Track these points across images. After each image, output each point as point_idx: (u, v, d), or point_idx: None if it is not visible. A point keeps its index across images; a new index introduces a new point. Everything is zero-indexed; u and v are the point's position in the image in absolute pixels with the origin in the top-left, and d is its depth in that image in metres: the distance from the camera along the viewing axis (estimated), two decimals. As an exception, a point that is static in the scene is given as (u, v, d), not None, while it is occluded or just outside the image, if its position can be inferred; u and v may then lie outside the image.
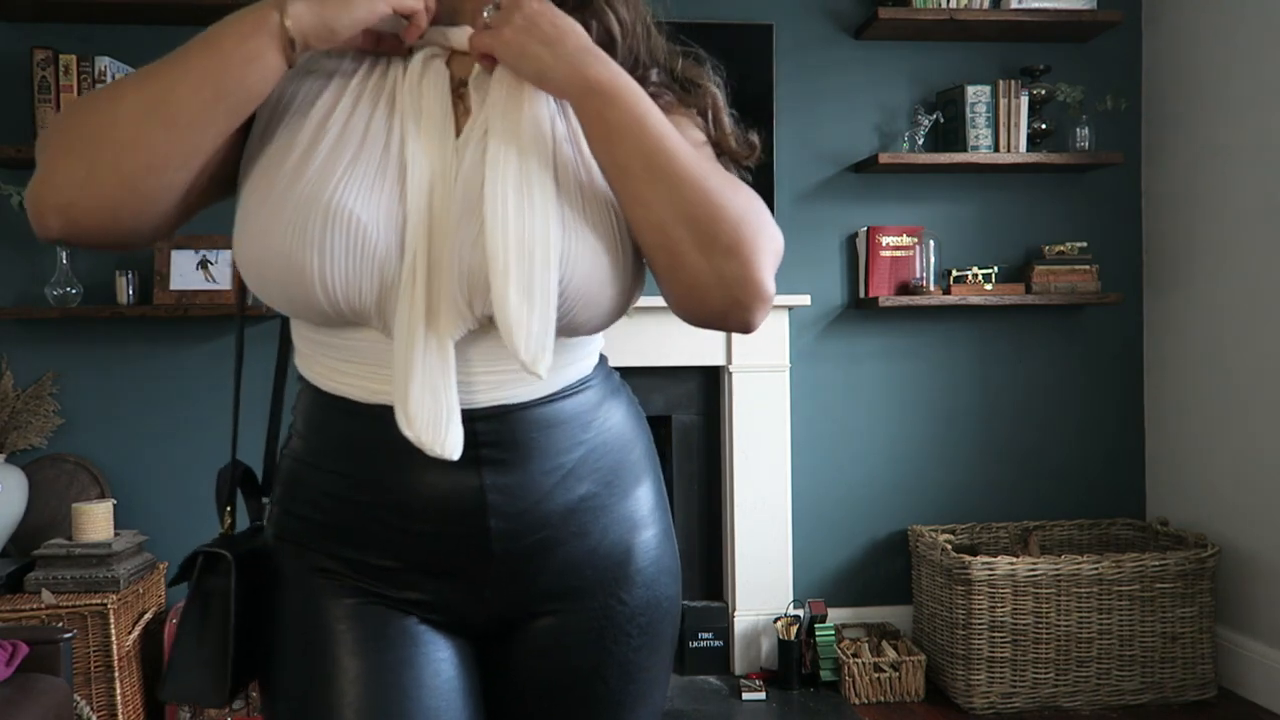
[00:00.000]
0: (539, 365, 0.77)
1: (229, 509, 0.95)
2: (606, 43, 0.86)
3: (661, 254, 0.81)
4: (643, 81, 0.87)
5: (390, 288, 0.79)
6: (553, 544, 0.87)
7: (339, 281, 0.77)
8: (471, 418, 0.82)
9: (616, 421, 0.93)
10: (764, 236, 0.81)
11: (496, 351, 0.82)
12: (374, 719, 0.82)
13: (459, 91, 0.86)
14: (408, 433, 0.78)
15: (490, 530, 0.85)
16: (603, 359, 0.97)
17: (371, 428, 0.84)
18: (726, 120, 0.94)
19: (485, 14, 0.83)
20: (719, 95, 0.95)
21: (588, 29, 0.85)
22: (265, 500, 0.96)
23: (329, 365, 0.86)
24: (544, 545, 0.87)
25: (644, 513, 0.94)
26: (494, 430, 0.84)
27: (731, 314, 0.82)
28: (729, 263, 0.79)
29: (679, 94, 0.92)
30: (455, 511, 0.84)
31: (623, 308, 0.86)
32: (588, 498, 0.89)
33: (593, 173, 0.84)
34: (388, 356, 0.81)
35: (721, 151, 0.93)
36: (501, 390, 0.84)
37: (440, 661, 0.87)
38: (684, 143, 0.82)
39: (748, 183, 0.88)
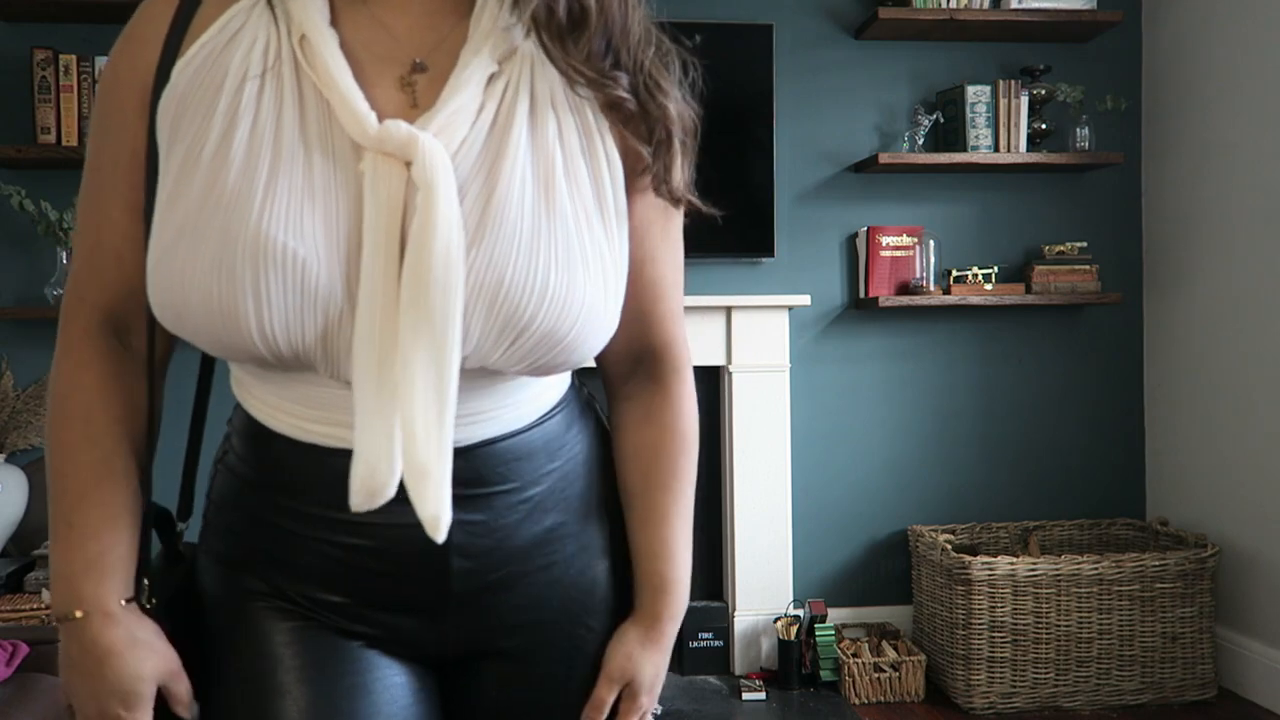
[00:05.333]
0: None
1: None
2: (577, 19, 0.74)
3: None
4: (608, 86, 0.76)
5: (335, 327, 0.70)
6: (518, 578, 0.82)
7: (278, 323, 0.69)
8: None
9: (584, 445, 0.88)
10: None
11: (467, 389, 0.74)
12: None
13: (407, 78, 0.75)
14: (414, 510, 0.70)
15: (451, 569, 0.79)
16: (571, 382, 0.90)
17: (321, 465, 0.77)
18: (675, 154, 0.80)
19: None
20: (675, 119, 0.79)
21: (555, 2, 0.74)
22: (181, 527, 0.88)
23: (269, 403, 0.79)
24: (508, 580, 0.82)
25: (609, 537, 0.89)
26: (460, 468, 0.74)
27: None
28: None
29: (633, 108, 0.78)
30: (414, 552, 0.77)
31: (603, 345, 0.80)
32: (555, 528, 0.84)
33: (590, 210, 0.76)
34: (334, 400, 0.74)
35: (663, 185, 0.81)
36: (471, 429, 0.78)
37: (395, 688, 0.81)
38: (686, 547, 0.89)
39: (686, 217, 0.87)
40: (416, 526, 0.70)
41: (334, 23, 0.74)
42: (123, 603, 0.76)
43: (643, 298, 0.85)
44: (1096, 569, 2.75)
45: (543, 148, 0.75)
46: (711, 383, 3.17)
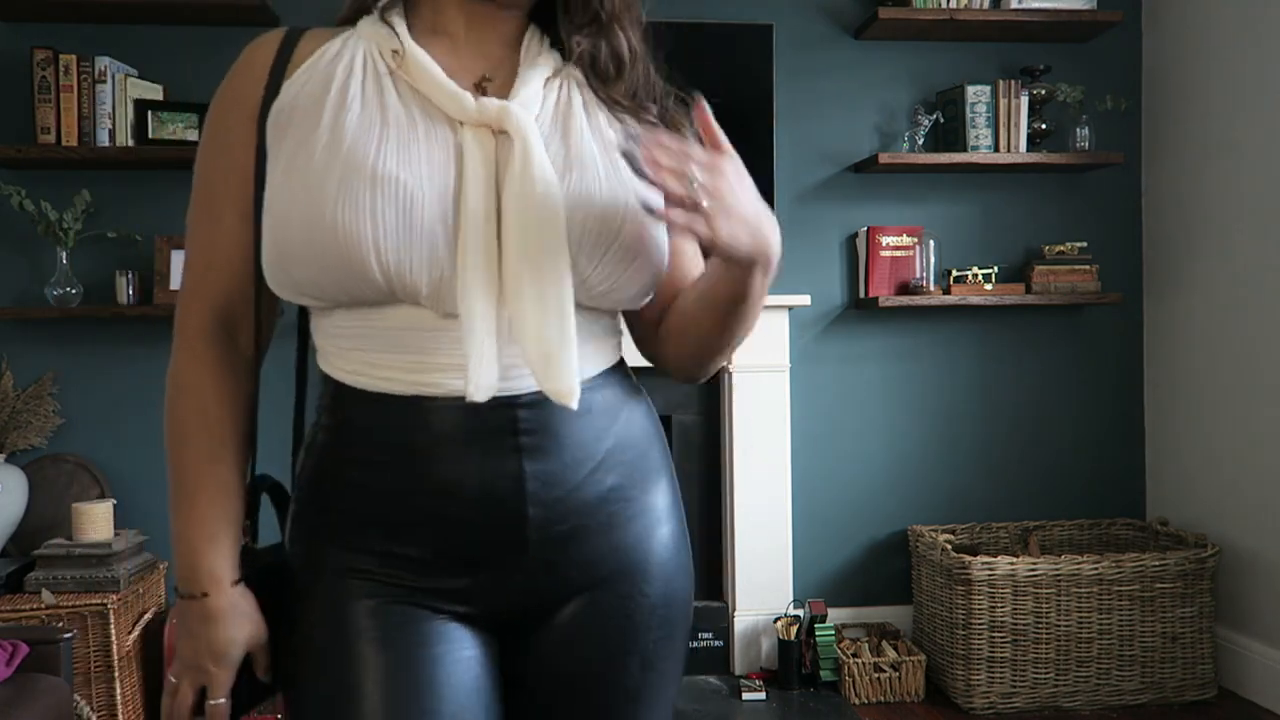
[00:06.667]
0: (572, 398, 0.83)
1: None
2: (615, 67, 0.94)
3: (695, 348, 0.96)
4: (641, 113, 0.95)
5: (440, 254, 0.82)
6: (582, 534, 0.89)
7: (391, 249, 0.80)
8: (513, 404, 0.84)
9: (639, 418, 0.96)
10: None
11: None
12: (400, 713, 0.83)
13: (480, 84, 0.90)
14: (544, 386, 0.83)
15: (528, 517, 0.86)
16: (621, 360, 0.99)
17: (410, 418, 0.85)
18: None
19: (691, 187, 0.80)
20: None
21: (598, 50, 0.93)
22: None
23: (362, 360, 0.86)
24: (574, 534, 0.89)
25: (662, 509, 0.96)
26: (534, 418, 0.85)
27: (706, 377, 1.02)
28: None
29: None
30: (494, 498, 0.85)
31: (656, 284, 0.93)
32: (615, 489, 0.91)
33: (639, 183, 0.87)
34: (432, 341, 0.84)
35: None
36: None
37: (466, 660, 0.88)
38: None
39: None
40: (498, 465, 0.84)
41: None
42: (233, 578, 0.88)
43: (679, 280, 0.98)
44: (1096, 569, 2.75)
45: (598, 128, 0.91)
46: (711, 383, 3.17)
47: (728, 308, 0.89)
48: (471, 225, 0.81)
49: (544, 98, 0.90)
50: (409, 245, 0.80)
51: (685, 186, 0.79)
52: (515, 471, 0.85)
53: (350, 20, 0.93)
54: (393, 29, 0.89)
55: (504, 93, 0.89)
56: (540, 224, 0.82)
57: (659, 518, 0.95)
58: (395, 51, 0.88)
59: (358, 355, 0.87)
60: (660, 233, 0.91)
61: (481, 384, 0.81)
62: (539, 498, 0.86)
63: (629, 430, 0.94)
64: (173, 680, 0.89)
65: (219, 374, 0.90)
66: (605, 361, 0.94)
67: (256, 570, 0.90)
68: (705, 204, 0.79)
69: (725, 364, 3.06)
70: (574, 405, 0.82)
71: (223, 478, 0.89)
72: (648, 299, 0.94)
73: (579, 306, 0.86)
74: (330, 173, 0.80)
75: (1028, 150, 3.13)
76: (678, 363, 0.99)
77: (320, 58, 0.88)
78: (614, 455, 0.91)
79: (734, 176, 0.82)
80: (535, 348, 0.82)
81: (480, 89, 0.89)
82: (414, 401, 0.85)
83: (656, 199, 0.81)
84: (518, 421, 0.84)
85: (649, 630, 0.93)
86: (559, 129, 0.89)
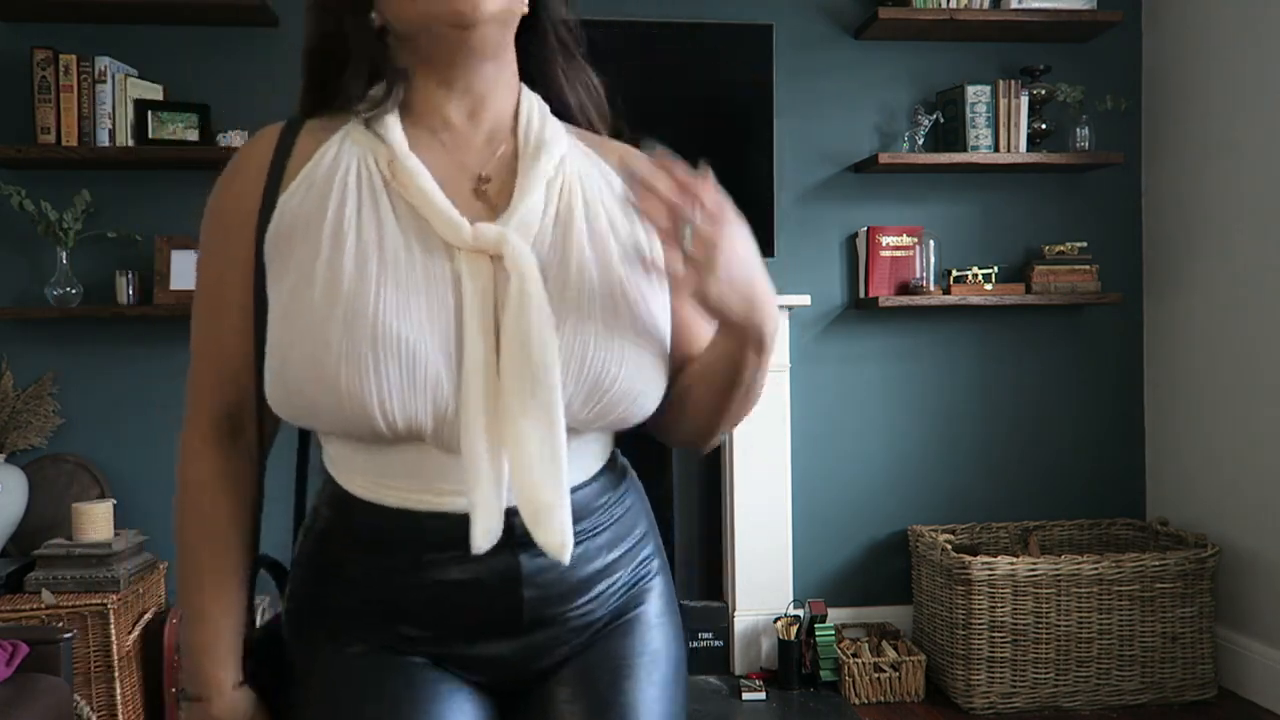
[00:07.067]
0: (565, 552, 0.83)
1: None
2: (606, 112, 0.99)
3: (692, 424, 0.96)
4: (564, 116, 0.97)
5: (444, 401, 0.82)
6: (576, 608, 0.91)
7: (395, 403, 0.80)
8: (512, 512, 0.84)
9: (630, 500, 0.99)
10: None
11: None
12: None
13: (479, 189, 0.89)
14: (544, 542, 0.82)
15: (524, 599, 0.88)
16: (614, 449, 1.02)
17: (412, 525, 0.87)
18: None
19: (683, 236, 0.80)
20: None
21: (586, 94, 0.98)
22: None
23: (366, 477, 0.88)
24: (569, 609, 0.91)
25: (654, 572, 0.99)
26: None
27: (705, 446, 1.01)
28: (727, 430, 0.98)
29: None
30: (492, 588, 0.87)
31: (661, 394, 0.93)
32: (613, 562, 0.94)
33: (640, 281, 0.89)
34: (438, 469, 0.85)
35: None
36: None
37: (466, 714, 0.90)
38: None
39: None
40: (495, 562, 0.85)
41: (411, 149, 0.88)
42: (235, 681, 0.91)
43: (683, 333, 0.98)
44: (1096, 569, 2.75)
45: (599, 233, 0.89)
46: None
47: (724, 387, 0.90)
48: (473, 375, 0.81)
49: (545, 207, 0.88)
50: (414, 398, 0.80)
51: (678, 228, 0.79)
52: (513, 564, 0.87)
53: (333, 100, 0.92)
54: (383, 139, 0.87)
55: (504, 193, 0.88)
56: (535, 379, 0.81)
57: (651, 584, 0.98)
58: (391, 162, 0.86)
59: (361, 473, 0.89)
60: (660, 367, 0.90)
61: (487, 531, 0.81)
62: (534, 581, 0.88)
63: (623, 509, 0.96)
64: None
65: (222, 477, 0.92)
66: (601, 460, 0.95)
67: (256, 660, 0.93)
68: (694, 250, 0.79)
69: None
70: (566, 560, 0.83)
71: (223, 585, 0.91)
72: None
73: (575, 433, 0.87)
74: (330, 323, 0.80)
75: (1028, 150, 3.13)
76: (676, 434, 0.99)
77: (317, 165, 0.87)
78: (609, 534, 0.94)
79: (737, 232, 0.81)
80: (528, 499, 0.82)
81: (479, 192, 0.89)
82: (417, 514, 0.87)
83: (655, 254, 0.85)
84: (514, 530, 0.84)
85: (649, 684, 0.94)
86: (558, 251, 0.87)
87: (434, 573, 0.86)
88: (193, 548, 0.92)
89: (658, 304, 0.90)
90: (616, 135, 1.01)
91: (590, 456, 0.93)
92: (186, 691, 0.92)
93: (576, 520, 0.88)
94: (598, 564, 0.92)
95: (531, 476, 0.81)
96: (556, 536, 0.81)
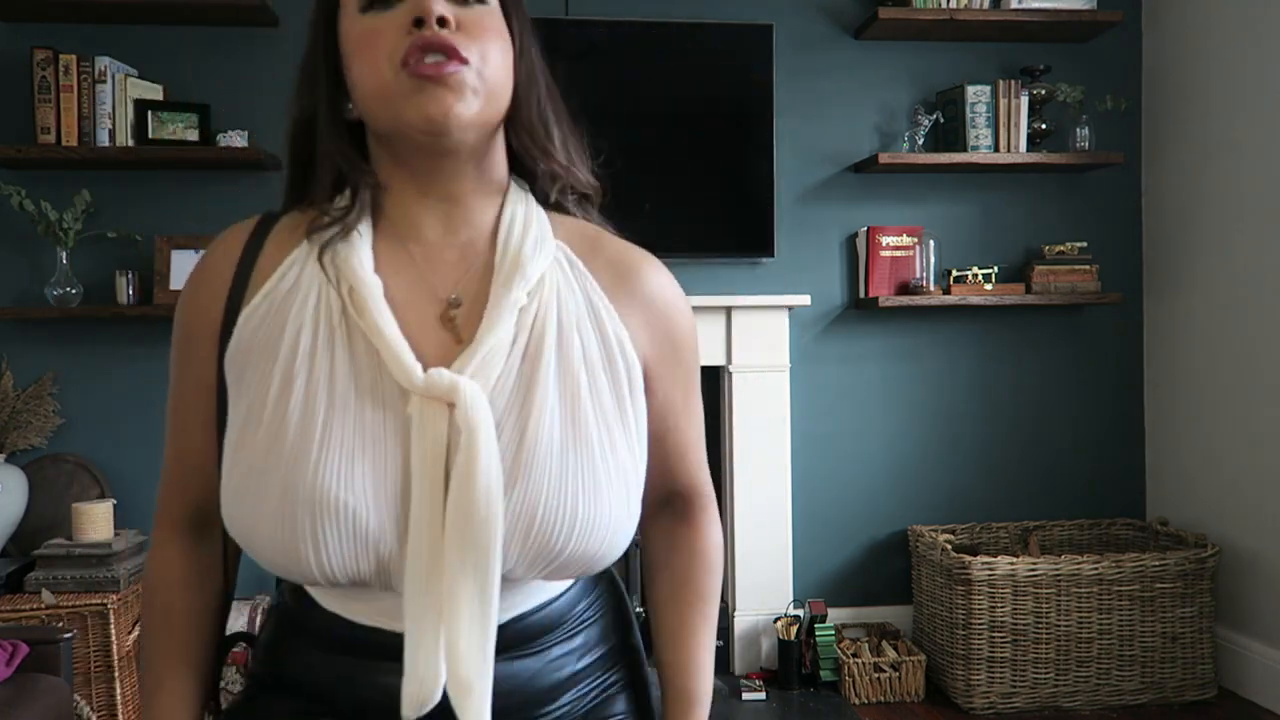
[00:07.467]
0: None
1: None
2: (591, 193, 0.96)
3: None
4: (561, 206, 0.94)
5: (387, 561, 0.79)
6: (540, 714, 0.89)
7: (335, 564, 0.78)
8: None
9: (602, 602, 0.97)
10: None
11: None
12: None
13: (446, 314, 0.85)
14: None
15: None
16: None
17: (369, 637, 0.85)
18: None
19: None
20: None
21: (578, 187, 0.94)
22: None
23: (322, 594, 0.88)
24: (531, 715, 0.89)
25: (622, 673, 0.98)
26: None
27: None
28: None
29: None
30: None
31: (625, 547, 0.88)
32: (577, 674, 0.92)
33: (612, 421, 0.85)
34: (384, 604, 0.83)
35: None
36: (502, 612, 0.85)
37: None
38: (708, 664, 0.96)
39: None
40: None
41: (377, 268, 0.84)
42: None
43: (669, 457, 0.96)
44: (1096, 569, 2.75)
45: (569, 372, 0.84)
46: (712, 383, 3.17)
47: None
48: (416, 536, 0.77)
49: (514, 339, 0.83)
50: (354, 557, 0.78)
51: None
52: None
53: (310, 197, 0.89)
54: (347, 260, 0.83)
55: (473, 320, 0.83)
56: (475, 545, 0.77)
57: (619, 686, 0.97)
58: (351, 289, 0.82)
59: (317, 591, 0.89)
60: (624, 515, 0.84)
61: (419, 703, 0.78)
62: (498, 689, 0.83)
63: (592, 618, 0.95)
64: None
65: (187, 574, 0.92)
66: (567, 580, 0.92)
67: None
68: None
69: (725, 364, 3.09)
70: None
71: (179, 684, 0.91)
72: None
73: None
74: (271, 477, 0.77)
75: (1028, 150, 3.13)
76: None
77: (280, 281, 0.84)
78: (575, 643, 0.92)
79: None
80: (456, 674, 0.78)
81: (446, 319, 0.84)
82: (368, 628, 0.85)
83: (633, 377, 0.86)
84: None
85: None
86: (518, 398, 0.81)
87: (391, 676, 0.81)
88: (152, 635, 0.92)
89: (627, 443, 0.85)
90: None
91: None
92: None
93: (533, 641, 0.88)
94: (565, 673, 0.90)
95: (458, 649, 0.77)
96: (470, 716, 0.78)
